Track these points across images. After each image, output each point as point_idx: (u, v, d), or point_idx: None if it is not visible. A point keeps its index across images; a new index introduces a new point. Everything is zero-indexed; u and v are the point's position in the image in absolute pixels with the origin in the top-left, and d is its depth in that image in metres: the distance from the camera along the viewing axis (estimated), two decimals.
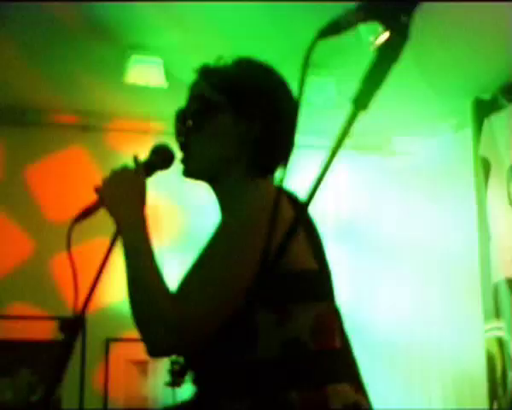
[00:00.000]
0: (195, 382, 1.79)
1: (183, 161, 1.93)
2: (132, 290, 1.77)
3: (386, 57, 1.16)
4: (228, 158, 1.89)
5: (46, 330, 4.46)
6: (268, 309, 1.69)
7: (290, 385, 1.68)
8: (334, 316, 1.83)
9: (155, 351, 1.75)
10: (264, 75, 1.94)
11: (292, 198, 1.79)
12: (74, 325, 1.90)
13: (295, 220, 1.39)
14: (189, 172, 1.94)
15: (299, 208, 1.71)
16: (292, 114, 1.89)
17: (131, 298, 1.77)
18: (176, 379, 1.78)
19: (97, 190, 1.88)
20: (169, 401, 1.86)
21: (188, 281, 1.75)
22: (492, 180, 4.68)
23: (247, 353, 1.69)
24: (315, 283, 1.78)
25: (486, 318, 4.59)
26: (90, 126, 5.00)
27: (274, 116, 1.89)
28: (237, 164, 1.89)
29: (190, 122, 1.91)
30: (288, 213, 1.69)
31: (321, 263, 1.81)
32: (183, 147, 1.93)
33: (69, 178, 4.89)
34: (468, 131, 4.91)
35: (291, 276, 1.72)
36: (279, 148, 1.89)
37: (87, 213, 1.89)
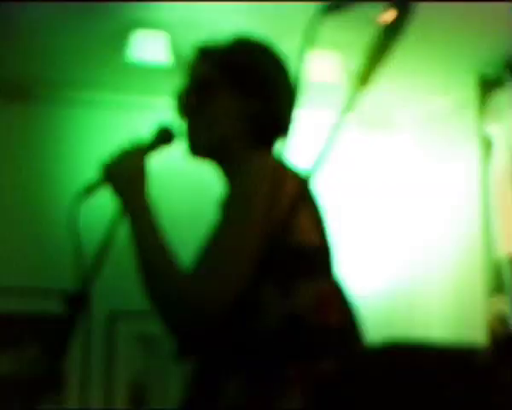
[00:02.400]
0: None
1: (187, 140, 1.96)
2: (147, 275, 1.79)
3: (391, 34, 1.16)
4: (229, 135, 1.92)
5: (52, 304, 4.48)
6: (270, 282, 1.71)
7: (288, 359, 1.69)
8: (335, 291, 1.84)
9: (181, 332, 1.77)
10: (262, 52, 1.98)
11: (294, 172, 1.81)
12: (79, 299, 1.91)
13: (298, 196, 1.40)
14: (194, 151, 1.96)
15: (302, 183, 1.71)
16: (290, 89, 1.92)
17: (148, 283, 1.80)
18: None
19: (102, 168, 1.90)
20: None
21: (203, 258, 1.76)
22: (496, 157, 4.68)
23: (248, 325, 1.71)
24: (316, 258, 1.80)
25: (489, 293, 4.60)
26: (91, 102, 4.99)
27: (272, 92, 1.93)
28: (239, 139, 1.92)
29: (191, 102, 1.94)
30: (290, 187, 1.70)
31: (322, 238, 1.83)
32: (186, 127, 1.96)
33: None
34: (473, 107, 4.89)
35: (293, 250, 1.73)
36: (278, 122, 1.92)
37: (92, 189, 1.91)
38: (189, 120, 1.95)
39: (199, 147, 1.96)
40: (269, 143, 1.94)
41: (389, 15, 1.14)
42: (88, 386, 4.78)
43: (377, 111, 5.30)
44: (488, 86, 4.76)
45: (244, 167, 1.80)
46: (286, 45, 2.00)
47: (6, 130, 4.89)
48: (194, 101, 1.94)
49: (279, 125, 1.93)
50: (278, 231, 1.65)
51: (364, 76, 1.19)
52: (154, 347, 4.84)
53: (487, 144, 4.73)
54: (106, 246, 1.88)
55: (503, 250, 4.56)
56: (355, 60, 1.12)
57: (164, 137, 1.95)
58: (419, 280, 5.30)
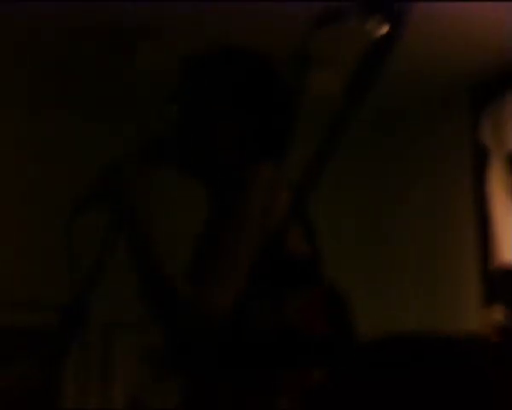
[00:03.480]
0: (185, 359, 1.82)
1: (182, 156, 1.94)
2: (150, 287, 1.79)
3: (382, 48, 1.17)
4: (229, 158, 1.91)
5: (47, 318, 4.48)
6: (261, 294, 1.71)
7: (277, 367, 1.70)
8: (324, 301, 1.85)
9: (181, 337, 1.77)
10: (257, 68, 1.96)
11: (288, 184, 1.81)
12: (74, 313, 1.91)
13: (290, 209, 1.40)
14: (190, 171, 1.95)
15: (295, 194, 1.73)
16: (288, 104, 1.92)
17: (153, 296, 1.80)
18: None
19: (99, 181, 1.89)
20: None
21: (213, 270, 1.77)
22: (491, 167, 4.69)
23: (239, 333, 1.71)
24: (306, 268, 1.82)
25: (484, 303, 4.61)
26: None
27: (271, 109, 1.92)
28: (238, 158, 1.91)
29: (189, 119, 1.92)
30: (285, 199, 1.71)
31: (312, 247, 1.83)
32: (181, 143, 1.94)
33: None
34: (466, 118, 4.90)
35: (284, 261, 1.73)
36: (276, 136, 1.92)
37: (87, 201, 1.90)
38: (185, 137, 1.94)
39: (197, 170, 1.95)
40: (268, 157, 1.94)
41: (382, 29, 1.15)
42: (85, 398, 4.77)
43: None
44: (482, 96, 4.78)
45: (243, 183, 1.80)
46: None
47: None
48: (191, 122, 1.93)
49: (277, 139, 1.93)
50: (271, 242, 1.66)
51: (357, 91, 1.19)
52: (152, 358, 4.83)
53: (484, 154, 4.73)
54: (101, 259, 1.88)
55: (498, 260, 4.56)
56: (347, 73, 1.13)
57: (158, 149, 1.94)
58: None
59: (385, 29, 1.15)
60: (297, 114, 1.33)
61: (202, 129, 1.92)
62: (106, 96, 4.82)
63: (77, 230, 1.87)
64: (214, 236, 1.82)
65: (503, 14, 3.96)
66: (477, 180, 4.78)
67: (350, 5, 1.22)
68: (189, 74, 1.97)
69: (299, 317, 1.78)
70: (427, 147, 5.35)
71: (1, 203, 4.82)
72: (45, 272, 4.67)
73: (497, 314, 4.48)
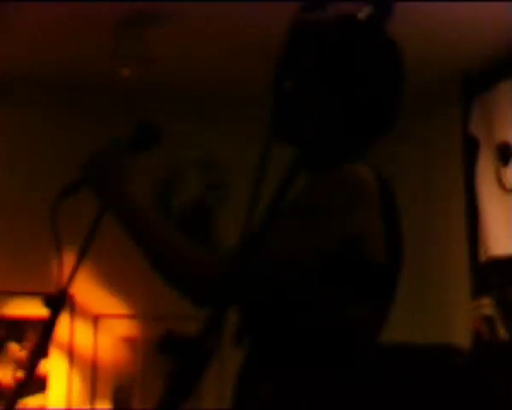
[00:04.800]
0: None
1: (279, 123, 1.83)
2: (171, 267, 1.74)
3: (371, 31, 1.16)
4: (326, 133, 1.84)
5: (34, 306, 4.47)
6: (328, 288, 1.70)
7: (323, 364, 1.69)
8: (385, 315, 1.81)
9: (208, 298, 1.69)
10: (372, 48, 1.80)
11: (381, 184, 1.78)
12: (59, 301, 1.90)
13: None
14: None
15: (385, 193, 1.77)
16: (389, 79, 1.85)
17: (174, 273, 1.74)
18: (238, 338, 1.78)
19: (82, 169, 1.87)
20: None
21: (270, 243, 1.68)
22: (481, 158, 4.69)
23: (298, 325, 1.70)
24: (377, 278, 1.75)
25: (473, 295, 4.61)
26: None
27: (379, 89, 1.85)
28: (334, 140, 1.85)
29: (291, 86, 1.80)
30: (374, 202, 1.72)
31: (392, 257, 1.78)
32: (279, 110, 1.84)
33: None
34: (457, 109, 4.90)
35: (353, 265, 1.71)
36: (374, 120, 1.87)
37: (71, 190, 1.88)
38: (284, 102, 1.82)
39: (297, 134, 1.84)
40: (362, 147, 1.89)
41: (367, 12, 1.13)
42: (71, 388, 4.76)
43: None
44: (473, 87, 4.78)
45: (336, 178, 1.73)
46: None
47: None
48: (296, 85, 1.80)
49: (375, 125, 1.88)
50: (349, 245, 1.67)
51: None
52: (139, 349, 4.83)
53: (474, 146, 4.73)
54: (86, 247, 1.87)
55: (487, 252, 4.57)
56: None
57: (145, 136, 1.92)
58: None
59: (371, 13, 1.14)
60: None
61: (312, 99, 1.81)
62: (93, 83, 4.81)
63: (63, 217, 1.85)
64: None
65: (494, 5, 3.96)
66: (467, 171, 4.79)
67: None
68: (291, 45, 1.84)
69: (358, 328, 1.74)
70: (417, 137, 5.35)
71: None
72: (31, 259, 4.66)
73: (486, 307, 4.49)
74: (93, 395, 4.79)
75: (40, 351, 2.02)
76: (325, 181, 1.73)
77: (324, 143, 1.85)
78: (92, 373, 4.82)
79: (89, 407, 4.76)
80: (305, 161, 1.79)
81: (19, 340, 4.68)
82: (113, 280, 4.80)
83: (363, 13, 1.13)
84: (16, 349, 4.67)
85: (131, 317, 4.83)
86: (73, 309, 4.67)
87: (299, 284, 1.67)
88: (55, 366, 4.70)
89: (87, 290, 4.60)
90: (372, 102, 1.84)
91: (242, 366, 1.80)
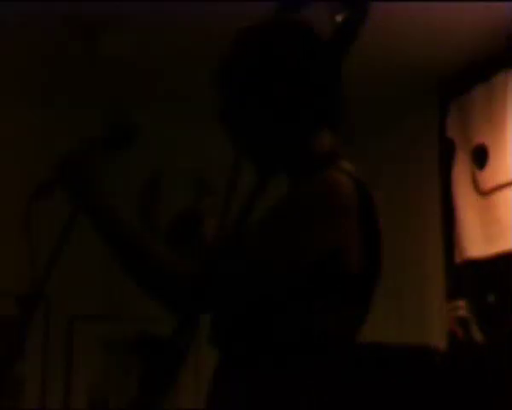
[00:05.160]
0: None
1: (252, 159, 1.86)
2: (141, 270, 1.74)
3: (346, 35, 1.15)
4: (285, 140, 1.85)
5: (4, 307, 4.44)
6: (299, 299, 1.70)
7: (308, 369, 1.69)
8: (362, 322, 1.83)
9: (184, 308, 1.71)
10: (305, 46, 1.81)
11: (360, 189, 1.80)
12: (32, 302, 1.89)
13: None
14: (266, 173, 1.84)
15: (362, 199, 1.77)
16: (323, 76, 1.82)
17: (143, 276, 1.74)
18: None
19: (56, 169, 1.85)
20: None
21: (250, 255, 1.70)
22: (457, 161, 4.71)
23: (271, 334, 1.70)
24: (354, 288, 1.77)
25: (449, 297, 4.63)
26: None
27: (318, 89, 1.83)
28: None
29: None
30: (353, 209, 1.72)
31: (369, 267, 1.80)
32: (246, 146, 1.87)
33: None
34: (433, 112, 4.92)
35: (331, 275, 1.72)
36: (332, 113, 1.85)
37: (45, 190, 1.87)
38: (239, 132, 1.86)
39: (270, 170, 1.85)
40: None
41: (343, 16, 1.13)
42: (47, 389, 4.74)
43: None
44: (450, 90, 4.80)
45: (314, 183, 1.75)
46: None
47: None
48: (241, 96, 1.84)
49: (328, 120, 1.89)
50: (325, 258, 1.68)
51: None
52: (113, 350, 4.82)
53: (450, 149, 4.75)
54: (60, 246, 1.86)
55: (463, 255, 4.59)
56: None
57: (119, 135, 1.91)
58: None
59: (346, 16, 1.14)
60: None
61: (253, 106, 1.83)
62: (67, 82, 4.79)
63: (37, 217, 1.84)
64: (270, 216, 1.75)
65: (470, 8, 3.98)
66: (443, 174, 4.80)
67: None
68: (239, 47, 1.84)
69: (333, 335, 1.75)
70: (393, 139, 5.37)
71: None
72: (4, 260, 4.63)
73: (461, 309, 4.50)
74: (68, 396, 4.77)
75: (14, 353, 2.01)
76: (304, 192, 1.74)
77: (267, 152, 1.86)
78: (67, 374, 4.80)
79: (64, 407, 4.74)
80: (262, 169, 1.82)
81: None
82: (88, 281, 4.78)
83: (340, 16, 1.12)
84: None
85: (106, 318, 4.81)
86: (48, 310, 4.64)
87: (271, 296, 1.67)
88: (29, 368, 4.67)
89: (62, 291, 4.57)
90: (305, 103, 1.83)
91: (216, 367, 1.81)
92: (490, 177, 4.43)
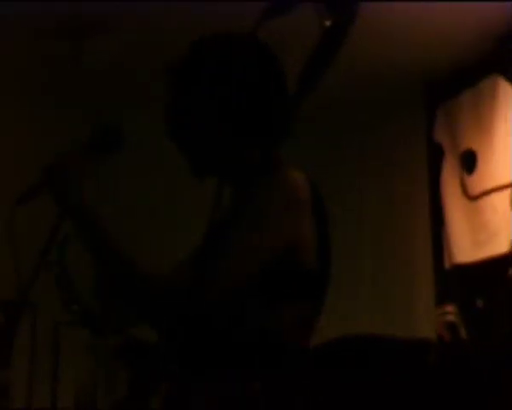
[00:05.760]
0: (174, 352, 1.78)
1: (189, 162, 1.87)
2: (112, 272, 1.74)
3: (333, 40, 1.15)
4: (233, 152, 1.84)
5: None
6: (257, 299, 1.69)
7: (257, 376, 1.69)
8: (316, 316, 1.83)
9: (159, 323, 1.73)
10: (253, 59, 1.80)
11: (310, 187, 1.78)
12: (16, 308, 1.87)
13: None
14: (201, 174, 1.87)
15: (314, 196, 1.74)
16: (280, 91, 1.82)
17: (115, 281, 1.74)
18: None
19: (43, 173, 1.83)
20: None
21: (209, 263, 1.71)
22: (446, 166, 4.71)
23: (229, 337, 1.69)
24: (309, 283, 1.77)
25: (437, 302, 4.63)
26: None
27: (258, 100, 1.83)
28: (243, 149, 1.84)
29: (184, 122, 1.84)
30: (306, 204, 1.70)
31: (322, 261, 1.80)
32: (182, 148, 1.87)
33: None
34: (421, 116, 4.93)
35: (288, 271, 1.72)
36: (281, 125, 1.85)
37: (30, 195, 1.84)
38: (185, 142, 1.86)
39: (205, 169, 1.87)
40: (270, 146, 1.87)
41: (331, 20, 1.12)
42: (33, 393, 4.72)
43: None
44: (437, 95, 4.80)
45: (263, 184, 1.75)
46: None
47: None
48: (189, 125, 1.85)
49: (277, 132, 1.86)
50: (285, 255, 1.68)
51: (307, 82, 1.17)
52: (99, 354, 4.80)
53: (438, 153, 4.76)
54: (45, 252, 1.84)
55: (452, 260, 4.59)
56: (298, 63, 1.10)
57: (106, 139, 1.88)
58: None
59: (335, 20, 1.13)
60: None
61: (202, 137, 1.84)
62: (53, 86, 4.78)
63: (22, 223, 1.82)
64: (223, 233, 1.76)
65: (458, 13, 3.98)
66: (432, 179, 4.80)
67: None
68: (174, 82, 1.88)
69: (291, 329, 1.76)
70: (382, 144, 5.37)
71: None
72: None
73: (450, 314, 4.51)
74: (55, 400, 4.75)
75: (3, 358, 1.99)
76: (262, 191, 1.74)
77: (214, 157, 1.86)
78: (54, 379, 4.78)
79: None
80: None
81: None
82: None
83: (328, 20, 1.11)
84: None
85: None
86: (34, 316, 4.61)
87: (231, 297, 1.67)
88: (16, 371, 4.65)
89: (48, 297, 4.55)
90: (253, 114, 1.82)
91: (174, 379, 1.80)
92: (478, 182, 4.44)
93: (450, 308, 4.53)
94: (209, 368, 1.70)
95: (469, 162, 4.52)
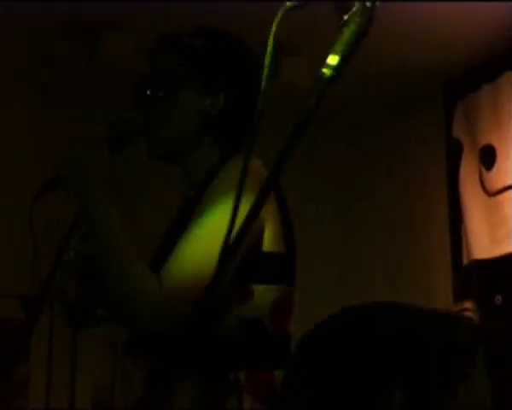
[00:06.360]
0: (148, 352, 1.78)
1: (146, 141, 1.88)
2: (110, 271, 1.72)
3: (355, 31, 1.13)
4: (192, 136, 1.86)
5: (7, 308, 4.42)
6: (231, 286, 1.67)
7: (242, 365, 1.68)
8: (291, 300, 1.83)
9: (139, 328, 1.74)
10: (227, 45, 1.89)
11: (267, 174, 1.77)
12: (36, 304, 1.87)
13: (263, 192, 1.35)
14: (153, 153, 1.89)
15: (274, 186, 1.70)
16: (256, 85, 1.84)
17: (110, 279, 1.73)
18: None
19: (58, 169, 1.82)
20: None
21: (176, 262, 1.70)
22: (464, 161, 4.69)
23: (205, 326, 1.68)
24: (280, 266, 1.79)
25: (456, 299, 4.61)
26: None
27: (238, 87, 1.86)
28: (204, 138, 1.86)
29: (151, 97, 1.86)
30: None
31: (288, 245, 1.80)
32: (144, 126, 1.87)
33: None
34: (439, 113, 4.91)
35: (259, 256, 1.73)
36: (244, 119, 1.86)
37: (46, 191, 1.84)
38: (147, 119, 1.87)
39: (158, 150, 1.88)
40: (236, 140, 1.89)
41: (353, 12, 1.11)
42: (51, 390, 4.73)
43: None
44: (456, 90, 4.78)
45: (225, 171, 1.76)
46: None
47: None
48: (153, 97, 1.85)
49: (245, 121, 1.88)
50: (241, 233, 1.63)
51: (329, 75, 1.15)
52: (117, 351, 4.81)
53: (457, 149, 4.73)
54: (63, 247, 1.84)
55: (470, 256, 4.57)
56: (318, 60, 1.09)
57: (122, 133, 1.87)
58: None
59: (356, 10, 1.12)
60: (266, 103, 1.27)
61: (165, 109, 1.86)
62: (68, 83, 4.78)
63: (41, 219, 1.82)
64: (184, 227, 1.76)
65: (477, 9, 3.96)
66: (450, 174, 4.78)
67: None
68: (153, 53, 1.91)
69: (269, 316, 1.75)
70: (399, 141, 5.36)
71: None
72: (7, 260, 4.63)
73: (468, 310, 4.48)
74: (73, 396, 4.76)
75: (18, 354, 1.99)
76: (223, 178, 1.75)
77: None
78: (72, 375, 4.79)
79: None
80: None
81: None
82: None
83: (347, 16, 1.10)
84: None
85: (110, 319, 4.80)
86: (53, 311, 4.62)
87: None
88: (34, 369, 4.66)
89: None
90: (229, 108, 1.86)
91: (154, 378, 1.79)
92: (497, 177, 4.41)
93: (468, 305, 4.51)
94: (195, 364, 1.69)
95: (488, 158, 4.49)
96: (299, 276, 1.88)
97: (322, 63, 1.14)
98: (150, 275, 1.68)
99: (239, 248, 1.31)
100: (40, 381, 4.69)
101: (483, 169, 4.52)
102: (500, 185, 4.38)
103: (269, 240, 1.74)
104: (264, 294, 1.74)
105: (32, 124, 4.98)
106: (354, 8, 1.13)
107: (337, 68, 1.13)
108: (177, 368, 1.51)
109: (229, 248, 1.28)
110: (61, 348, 4.77)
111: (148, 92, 1.87)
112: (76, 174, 1.78)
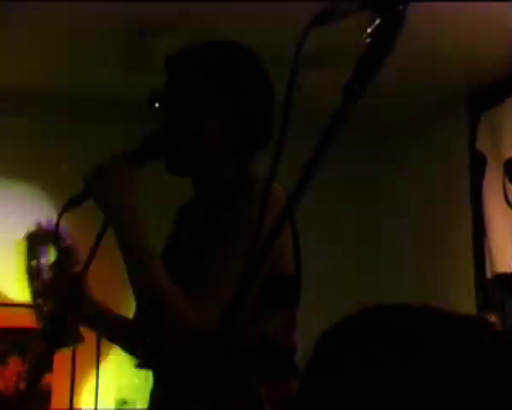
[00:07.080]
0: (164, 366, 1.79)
1: (168, 155, 1.87)
2: (142, 291, 1.74)
3: (381, 46, 1.14)
4: (211, 151, 1.85)
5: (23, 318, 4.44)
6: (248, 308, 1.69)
7: (259, 378, 1.73)
8: (295, 314, 1.88)
9: (168, 350, 1.76)
10: (244, 60, 1.89)
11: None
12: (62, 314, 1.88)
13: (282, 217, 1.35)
14: (177, 169, 1.89)
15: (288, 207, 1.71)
16: (272, 100, 1.85)
17: (143, 299, 1.75)
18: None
19: (85, 180, 1.82)
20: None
21: (202, 281, 1.73)
22: (488, 174, 4.67)
23: (223, 344, 1.68)
24: (291, 288, 1.84)
25: (479, 311, 4.59)
26: None
27: (256, 102, 1.86)
28: (222, 153, 1.86)
29: (175, 113, 1.86)
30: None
31: (297, 266, 1.85)
32: (165, 140, 1.87)
33: None
34: (463, 124, 4.89)
35: (275, 278, 1.76)
36: (262, 133, 1.87)
37: (74, 203, 1.85)
38: (170, 133, 1.86)
39: (185, 167, 1.88)
40: (250, 158, 1.90)
41: (379, 27, 1.11)
42: (74, 401, 4.74)
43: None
44: (480, 103, 4.76)
45: (245, 191, 1.77)
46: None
47: None
48: (178, 113, 1.86)
49: (260, 137, 1.88)
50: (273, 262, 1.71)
51: (354, 89, 1.16)
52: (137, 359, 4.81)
53: (481, 162, 4.71)
54: (90, 261, 1.85)
55: (494, 269, 4.55)
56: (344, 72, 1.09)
57: (151, 147, 1.87)
58: None
59: (382, 25, 1.12)
60: (288, 114, 1.27)
61: (186, 124, 1.86)
62: (93, 98, 4.81)
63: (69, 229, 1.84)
64: (202, 245, 1.77)
65: (501, 19, 3.94)
66: (474, 187, 4.76)
67: (347, 3, 1.18)
68: (172, 68, 1.91)
69: (281, 332, 1.81)
70: (424, 152, 5.34)
71: None
72: None
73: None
74: (96, 404, 4.77)
75: (43, 363, 2.00)
76: (245, 197, 1.76)
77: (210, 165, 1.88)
78: (95, 385, 4.80)
79: None
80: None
81: (21, 352, 4.65)
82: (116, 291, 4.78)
83: (376, 27, 1.10)
84: (18, 362, 4.65)
85: None
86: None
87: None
88: (58, 379, 4.68)
89: None
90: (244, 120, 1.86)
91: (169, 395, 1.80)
92: None
93: (492, 318, 4.49)
94: (211, 378, 1.69)
95: None
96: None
97: (348, 77, 1.15)
98: (182, 297, 1.70)
99: (261, 270, 1.33)
100: (64, 390, 4.71)
101: (507, 182, 4.50)
102: None
103: (283, 262, 1.77)
104: (277, 314, 1.80)
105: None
106: (377, 22, 1.14)
107: (362, 84, 1.14)
108: (193, 384, 1.53)
109: (252, 271, 1.28)
110: (84, 354, 4.79)
111: (166, 106, 1.87)
112: (103, 187, 1.79)
